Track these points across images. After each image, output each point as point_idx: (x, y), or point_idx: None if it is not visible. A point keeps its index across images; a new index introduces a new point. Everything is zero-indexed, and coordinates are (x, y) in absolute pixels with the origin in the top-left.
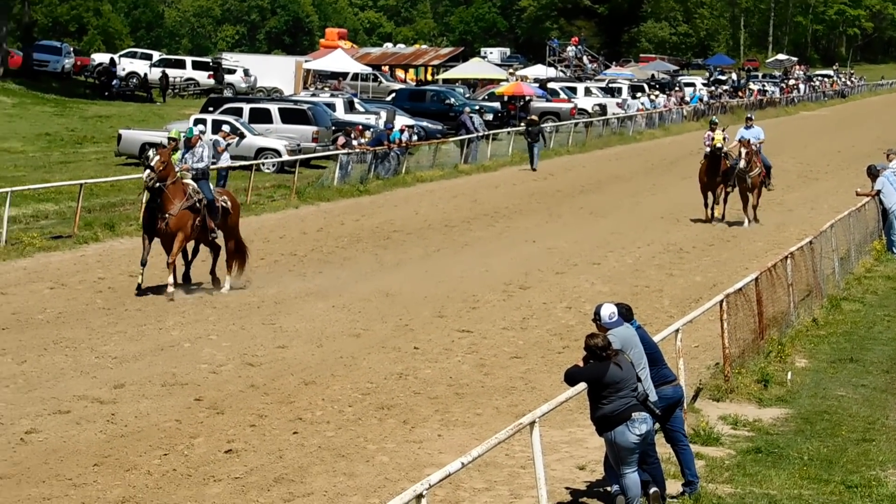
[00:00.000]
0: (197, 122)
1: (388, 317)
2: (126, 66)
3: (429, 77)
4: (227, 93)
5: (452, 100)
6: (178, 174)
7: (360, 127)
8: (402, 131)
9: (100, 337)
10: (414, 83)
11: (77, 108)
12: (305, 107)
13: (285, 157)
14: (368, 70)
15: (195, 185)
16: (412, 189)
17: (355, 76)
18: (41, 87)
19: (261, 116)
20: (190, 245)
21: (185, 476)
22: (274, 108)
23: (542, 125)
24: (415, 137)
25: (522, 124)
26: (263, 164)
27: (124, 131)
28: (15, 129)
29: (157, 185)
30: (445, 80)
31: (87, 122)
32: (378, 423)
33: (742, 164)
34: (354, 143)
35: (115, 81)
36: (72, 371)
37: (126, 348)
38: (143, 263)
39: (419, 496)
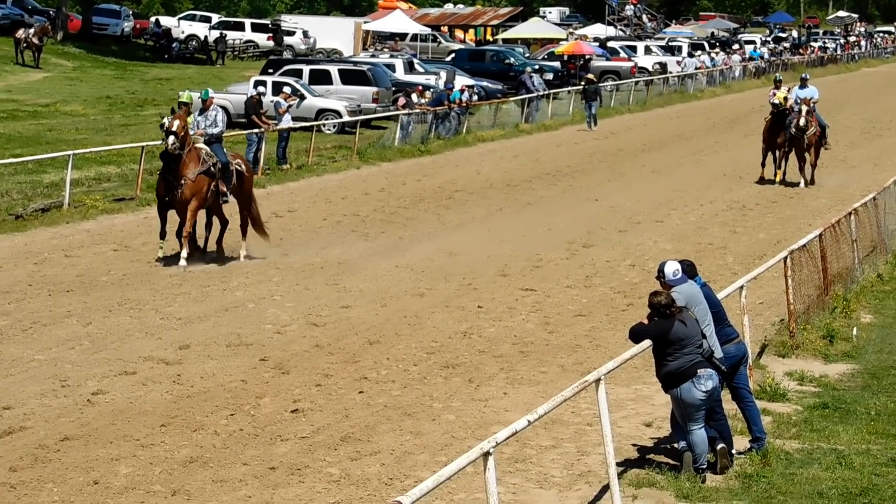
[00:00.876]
0: (257, 83)
1: (452, 276)
2: (185, 28)
3: (488, 37)
4: (287, 55)
5: (512, 59)
6: (193, 139)
7: (421, 87)
8: (462, 91)
9: (164, 298)
10: (473, 43)
11: (137, 70)
12: (365, 68)
13: (346, 118)
14: (427, 31)
15: (208, 149)
16: (473, 149)
17: (414, 37)
18: (101, 50)
19: (321, 78)
20: (202, 218)
21: (251, 436)
22: (334, 69)
23: (603, 84)
24: (475, 97)
25: (582, 83)
26: (324, 125)
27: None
28: (76, 93)
29: (179, 151)
30: (505, 40)
31: (147, 85)
32: (443, 382)
33: (802, 121)
34: (415, 103)
35: (174, 44)
36: (137, 332)
37: (191, 309)
38: (162, 236)
39: (486, 454)
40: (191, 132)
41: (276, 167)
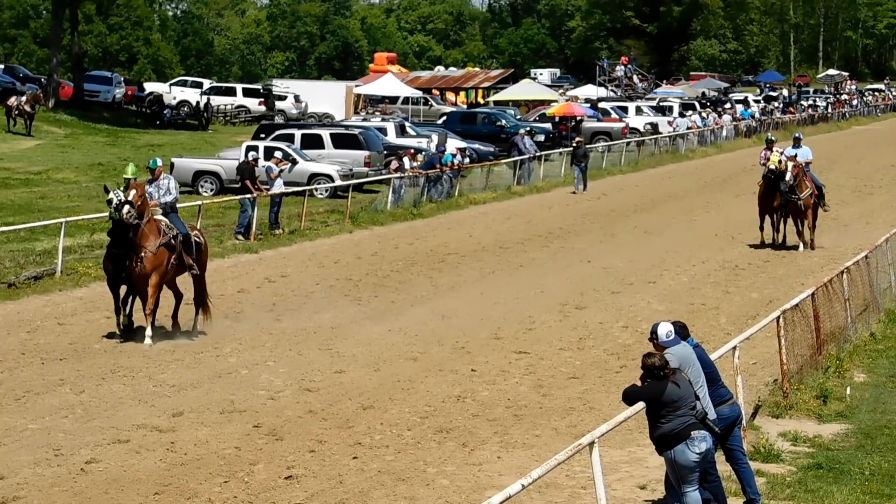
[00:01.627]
0: (249, 148)
1: (445, 339)
2: (177, 94)
3: (479, 99)
4: (279, 119)
5: (504, 121)
6: (150, 210)
7: (412, 151)
8: (454, 154)
9: (157, 365)
10: (465, 105)
11: (129, 137)
12: (357, 131)
13: (338, 183)
14: (419, 94)
15: (167, 220)
16: (465, 211)
17: (406, 100)
18: (93, 117)
19: (312, 142)
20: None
21: (245, 503)
22: (325, 133)
23: (594, 145)
24: (467, 160)
25: (572, 145)
26: (316, 190)
27: (177, 160)
28: (68, 160)
29: (137, 221)
30: (496, 102)
31: (139, 151)
32: (437, 447)
33: (788, 176)
34: (407, 166)
35: (166, 110)
36: (130, 400)
37: (184, 376)
38: (118, 312)
39: None
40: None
41: (268, 232)
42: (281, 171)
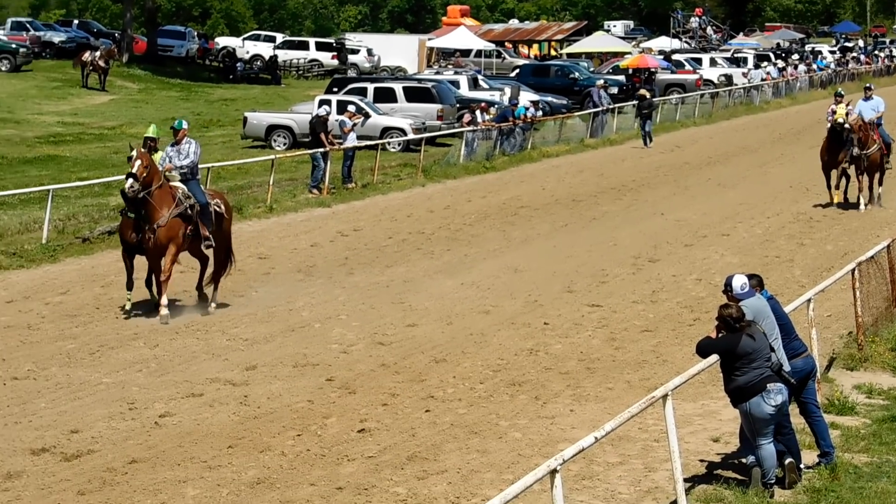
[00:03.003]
0: (322, 102)
1: (517, 293)
2: (249, 48)
3: (552, 52)
4: (351, 73)
5: (577, 74)
6: (164, 176)
7: (485, 104)
8: (526, 107)
9: (230, 319)
10: (537, 58)
11: (202, 91)
12: (430, 85)
13: (410, 136)
14: (492, 46)
15: (185, 188)
16: (538, 165)
17: (479, 53)
18: (166, 71)
19: (385, 96)
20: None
21: (318, 456)
22: (398, 86)
23: (668, 97)
24: (540, 113)
25: (636, 99)
26: (389, 144)
27: (249, 114)
28: (141, 115)
29: (142, 194)
30: (569, 55)
31: (212, 106)
32: (509, 400)
33: (846, 125)
34: (479, 120)
35: (239, 64)
36: (204, 354)
37: (257, 330)
38: (129, 287)
39: (553, 471)
40: (160, 167)
41: (341, 186)
42: (354, 124)
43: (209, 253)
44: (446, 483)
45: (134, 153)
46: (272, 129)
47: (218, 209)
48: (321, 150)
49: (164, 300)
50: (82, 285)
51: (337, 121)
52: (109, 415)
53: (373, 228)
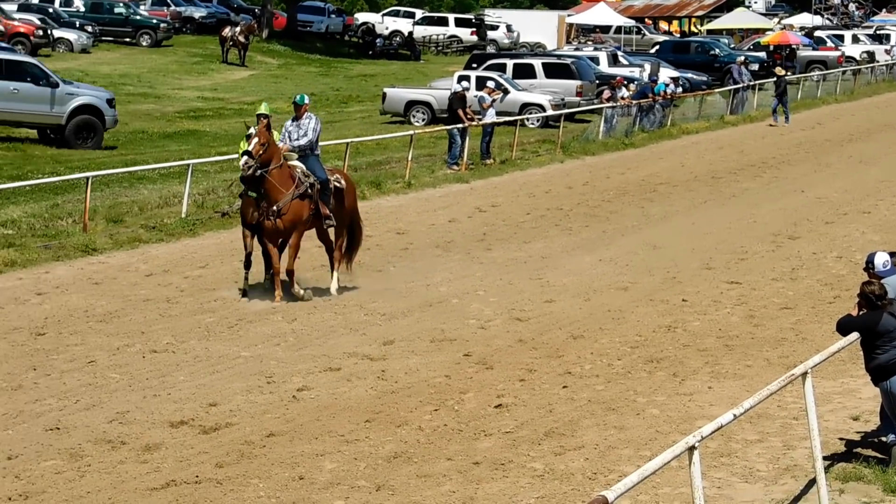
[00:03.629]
0: (461, 78)
1: (656, 269)
2: (389, 24)
3: (693, 28)
4: (491, 49)
5: (717, 51)
6: (283, 155)
7: (625, 80)
8: (666, 84)
9: (368, 294)
10: (677, 35)
11: (341, 67)
12: (569, 61)
13: (549, 112)
14: (631, 23)
15: (303, 166)
16: (677, 141)
17: (618, 29)
18: (305, 47)
19: (524, 72)
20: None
21: (455, 431)
22: (537, 62)
23: (809, 74)
24: (679, 89)
25: (773, 78)
26: (528, 120)
27: (389, 89)
28: (280, 90)
29: (259, 172)
30: (710, 31)
31: (351, 82)
32: (647, 376)
33: None
34: (619, 96)
35: (378, 40)
36: (342, 328)
37: (394, 305)
38: (248, 265)
39: (691, 448)
40: (280, 144)
41: (479, 162)
42: (493, 100)
43: (330, 232)
44: (583, 459)
45: (252, 130)
46: (411, 104)
47: (339, 184)
48: (460, 125)
49: (295, 288)
50: (221, 259)
51: (476, 97)
52: (247, 388)
53: (511, 204)
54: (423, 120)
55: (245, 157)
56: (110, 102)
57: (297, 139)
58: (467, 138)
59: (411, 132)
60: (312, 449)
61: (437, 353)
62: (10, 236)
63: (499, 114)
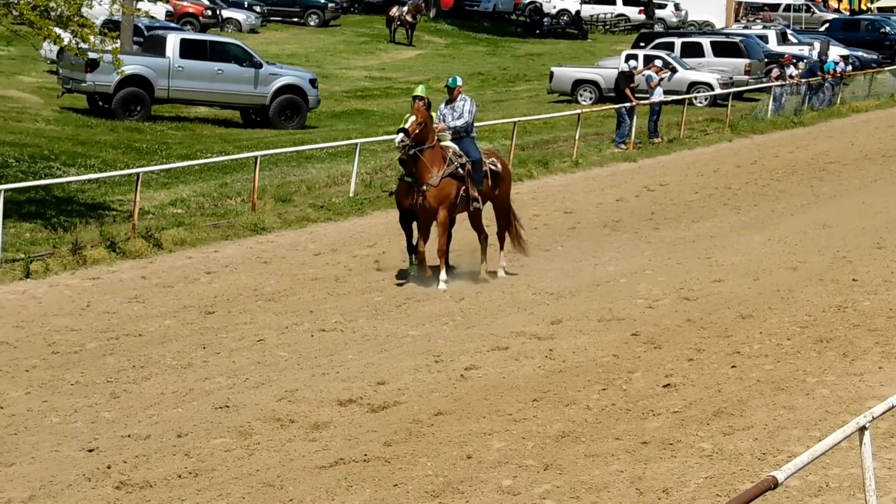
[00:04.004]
0: (629, 57)
1: (825, 249)
2: (556, 3)
3: (863, 6)
4: (658, 27)
5: (888, 28)
6: (437, 136)
7: (794, 58)
8: (836, 62)
9: (536, 273)
10: (847, 13)
11: (509, 46)
12: (737, 39)
13: (718, 91)
14: (801, 0)
15: (456, 147)
16: (847, 120)
17: (787, 7)
18: (473, 26)
19: (692, 50)
20: None
21: (623, 410)
22: (705, 41)
23: None
24: (849, 68)
25: None
26: (696, 98)
27: (556, 69)
28: (448, 69)
29: (413, 150)
30: (880, 9)
31: (518, 61)
32: (817, 356)
33: None
34: (788, 74)
35: (545, 19)
36: (509, 307)
37: (562, 284)
38: (411, 249)
39: (862, 428)
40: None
41: (647, 141)
42: (661, 79)
43: (496, 216)
44: (752, 439)
45: (412, 118)
46: (578, 83)
47: (493, 167)
48: (628, 104)
49: (443, 274)
50: (388, 238)
51: (644, 76)
52: (416, 367)
53: (679, 183)
54: (591, 99)
55: (401, 135)
56: (313, 83)
57: (453, 121)
58: (635, 117)
59: (578, 111)
60: (480, 428)
61: (605, 333)
62: (180, 215)
63: (666, 92)
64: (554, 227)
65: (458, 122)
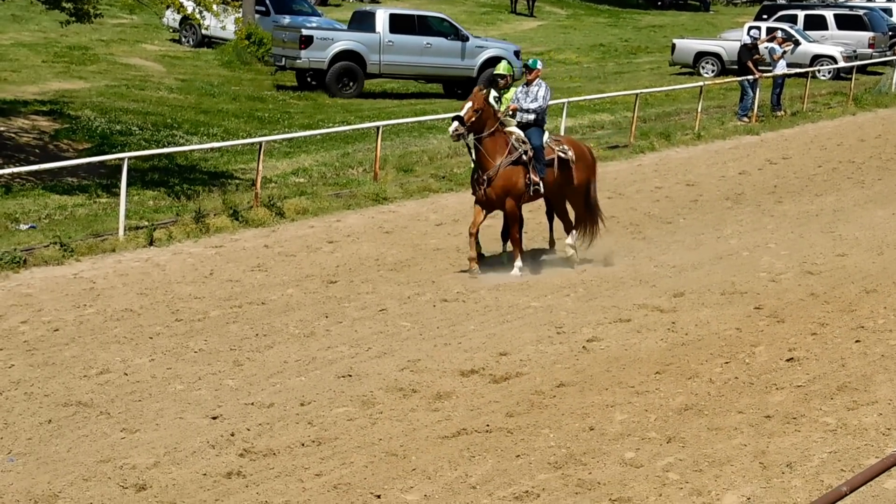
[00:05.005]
0: (751, 29)
1: None
2: None
3: None
4: (782, 0)
5: None
6: (500, 121)
7: None
8: None
9: (658, 246)
10: None
11: (630, 18)
12: (861, 12)
13: (841, 64)
14: None
15: (521, 133)
16: None
17: None
18: None
19: (816, 23)
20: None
21: (746, 384)
22: (829, 14)
23: None
24: None
25: None
26: (819, 72)
27: (678, 41)
28: (569, 41)
29: (470, 138)
30: None
31: (640, 33)
32: None
33: None
34: None
35: None
36: (631, 280)
37: (684, 257)
38: (474, 235)
39: None
40: (501, 111)
41: (770, 114)
42: (784, 52)
43: (568, 209)
44: (877, 414)
45: (494, 93)
46: (700, 55)
47: (563, 155)
48: (751, 77)
49: (518, 262)
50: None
51: (766, 48)
52: (538, 338)
53: (802, 157)
54: (713, 71)
55: (455, 123)
56: (517, 54)
57: (527, 105)
58: (758, 90)
59: (701, 84)
60: (603, 400)
61: (727, 306)
62: (303, 185)
63: (789, 65)
64: (676, 199)
65: (532, 105)
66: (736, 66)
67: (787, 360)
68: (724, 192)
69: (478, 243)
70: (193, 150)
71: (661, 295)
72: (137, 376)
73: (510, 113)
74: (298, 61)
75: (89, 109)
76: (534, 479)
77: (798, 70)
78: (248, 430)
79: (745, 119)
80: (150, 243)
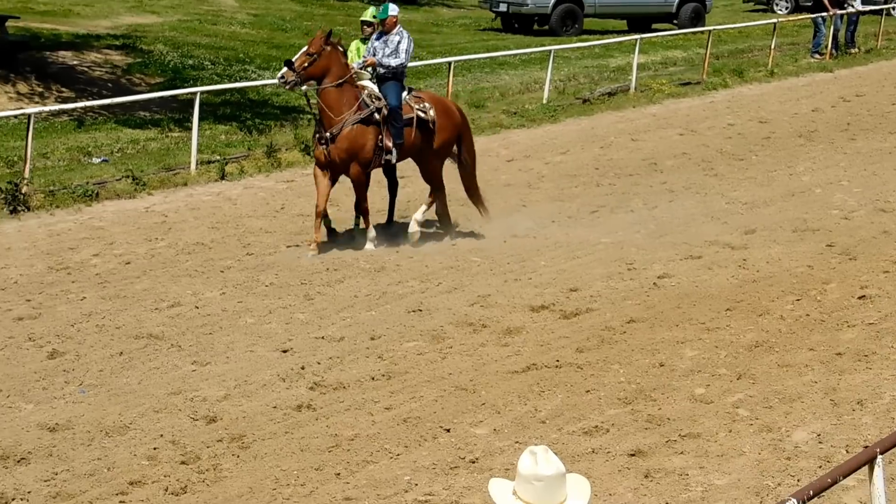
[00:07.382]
0: None
1: None
2: None
3: None
4: None
5: None
6: (352, 73)
7: None
8: None
9: (729, 183)
10: None
11: None
12: None
13: None
14: None
15: (374, 87)
16: None
17: None
18: None
19: None
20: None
21: (817, 321)
22: None
23: None
24: None
25: None
26: (894, 10)
27: None
28: None
29: (303, 89)
30: None
31: None
32: None
33: None
34: None
35: None
36: (702, 216)
37: (756, 194)
38: (320, 214)
39: None
40: (355, 63)
41: (844, 51)
42: None
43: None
44: None
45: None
46: None
47: (423, 114)
48: (824, 14)
49: (370, 232)
50: (581, 146)
51: None
52: (608, 274)
53: (876, 94)
54: (787, 8)
55: (284, 69)
56: None
57: (385, 57)
58: (832, 27)
59: (774, 20)
60: (673, 336)
61: (799, 243)
62: None
63: (864, 3)
64: (748, 136)
65: (393, 62)
66: (810, 3)
67: (859, 298)
68: (796, 129)
69: (325, 216)
70: (266, 85)
71: (733, 231)
72: (208, 309)
73: (364, 66)
74: (525, 8)
75: (161, 44)
76: (603, 414)
77: (873, 7)
78: (319, 363)
79: (819, 56)
80: (222, 177)
